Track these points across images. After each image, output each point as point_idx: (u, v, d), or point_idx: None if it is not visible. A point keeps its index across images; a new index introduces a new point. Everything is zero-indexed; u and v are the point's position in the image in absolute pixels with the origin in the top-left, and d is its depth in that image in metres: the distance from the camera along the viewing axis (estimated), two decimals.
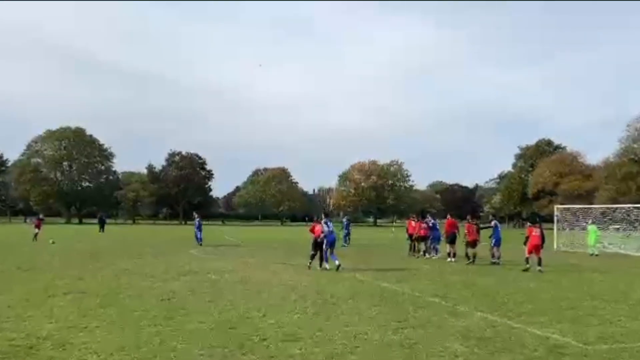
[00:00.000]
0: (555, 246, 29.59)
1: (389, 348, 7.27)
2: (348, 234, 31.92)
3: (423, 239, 23.49)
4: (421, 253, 23.38)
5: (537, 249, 18.28)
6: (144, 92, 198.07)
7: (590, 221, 29.23)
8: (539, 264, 18.07)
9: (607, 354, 7.15)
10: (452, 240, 21.85)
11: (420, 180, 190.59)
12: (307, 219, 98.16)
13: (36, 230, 32.45)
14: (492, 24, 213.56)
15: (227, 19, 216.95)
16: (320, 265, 17.53)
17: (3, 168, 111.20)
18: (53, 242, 28.99)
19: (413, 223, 24.43)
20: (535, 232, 18.50)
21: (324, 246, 17.67)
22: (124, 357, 6.71)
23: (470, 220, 21.66)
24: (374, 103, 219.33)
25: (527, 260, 18.45)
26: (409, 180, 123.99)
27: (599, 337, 8.13)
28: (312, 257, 17.87)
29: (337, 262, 17.17)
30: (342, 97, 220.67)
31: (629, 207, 31.67)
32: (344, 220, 34.44)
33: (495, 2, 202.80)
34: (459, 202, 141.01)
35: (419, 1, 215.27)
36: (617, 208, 32.70)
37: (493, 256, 20.81)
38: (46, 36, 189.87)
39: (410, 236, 24.32)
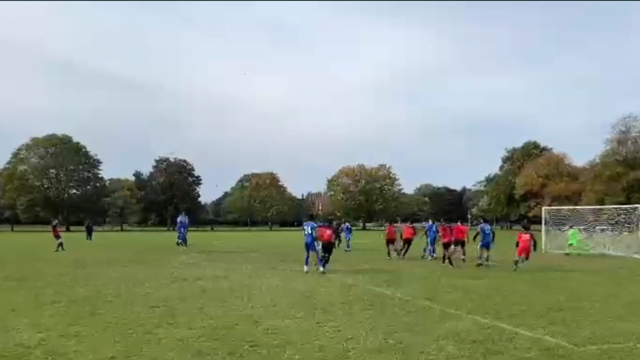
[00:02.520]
0: (543, 248, 29.76)
1: (380, 352, 7.25)
2: (347, 239, 32.30)
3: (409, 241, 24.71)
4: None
5: (526, 251, 19.01)
6: (130, 99, 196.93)
7: (569, 226, 29.84)
8: (521, 261, 19.05)
9: (598, 354, 7.19)
10: (461, 245, 22.15)
11: (409, 184, 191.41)
12: (296, 224, 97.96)
13: (58, 240, 29.81)
14: (477, 30, 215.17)
15: (214, 26, 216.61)
16: (324, 267, 17.91)
17: None
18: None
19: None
20: (524, 237, 19.17)
21: (313, 249, 17.82)
22: None
23: (443, 223, 22.29)
24: (362, 108, 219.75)
25: (516, 262, 19.00)
26: (397, 184, 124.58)
27: (590, 338, 8.17)
28: (321, 259, 18.43)
29: (306, 268, 17.67)
30: (330, 102, 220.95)
31: (615, 208, 31.97)
32: (345, 225, 34.45)
33: (479, 9, 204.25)
34: (447, 205, 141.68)
35: (405, 8, 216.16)
36: (603, 209, 32.98)
37: (480, 257, 21.15)
38: (29, 44, 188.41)
39: (406, 240, 24.93)
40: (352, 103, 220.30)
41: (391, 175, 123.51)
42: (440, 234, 21.67)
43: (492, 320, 9.53)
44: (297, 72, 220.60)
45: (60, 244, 29.52)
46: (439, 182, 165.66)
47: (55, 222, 33.93)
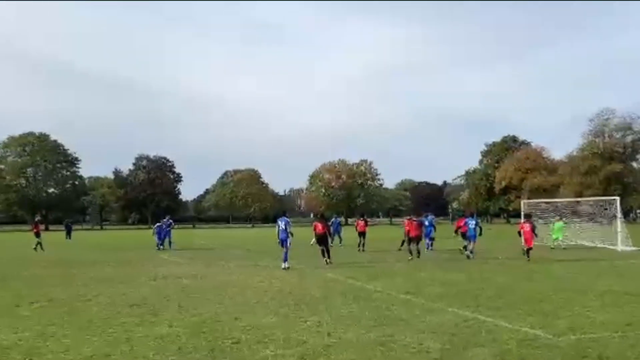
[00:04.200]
0: (522, 240, 30.04)
1: (363, 346, 7.26)
2: (338, 233, 31.79)
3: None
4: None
5: (528, 241, 20.26)
6: (109, 96, 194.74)
7: (557, 217, 29.92)
8: (527, 254, 20.01)
9: (577, 344, 7.28)
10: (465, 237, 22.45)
11: (390, 179, 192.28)
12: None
13: (37, 238, 29.10)
14: (458, 26, 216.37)
15: (197, 23, 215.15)
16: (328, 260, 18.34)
17: None
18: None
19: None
20: (526, 226, 20.52)
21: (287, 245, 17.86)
22: None
23: (411, 218, 22.43)
24: (342, 104, 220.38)
25: (527, 252, 20.18)
26: (379, 179, 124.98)
27: (569, 328, 8.27)
28: (323, 253, 19.61)
29: (284, 264, 17.69)
30: (310, 98, 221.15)
31: (592, 200, 32.44)
32: (334, 219, 33.64)
33: (458, 7, 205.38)
34: (428, 199, 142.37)
35: (384, 7, 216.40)
36: (581, 201, 33.45)
37: (465, 248, 21.76)
38: (3, 42, 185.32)
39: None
40: (332, 100, 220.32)
41: (372, 170, 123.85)
42: (407, 228, 21.83)
43: (473, 312, 9.61)
44: (278, 70, 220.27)
45: (39, 243, 28.88)
46: (419, 177, 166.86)
47: (37, 218, 32.96)
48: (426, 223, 25.92)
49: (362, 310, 9.91)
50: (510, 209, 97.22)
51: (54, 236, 53.62)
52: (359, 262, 20.23)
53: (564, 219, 29.59)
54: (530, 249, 20.18)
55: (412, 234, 21.07)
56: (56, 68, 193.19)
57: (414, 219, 22.07)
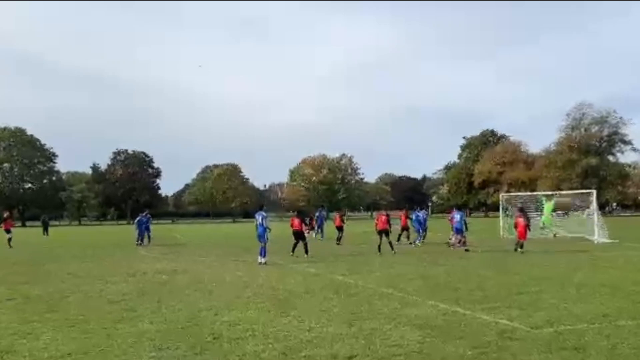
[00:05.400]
0: (501, 233, 30.43)
1: (344, 340, 7.28)
2: (320, 227, 31.74)
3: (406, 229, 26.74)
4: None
5: (523, 235, 21.01)
6: (86, 90, 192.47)
7: (547, 198, 30.20)
8: (521, 246, 20.62)
9: (554, 336, 7.38)
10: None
11: (370, 174, 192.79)
12: None
13: (8, 235, 28.68)
14: (437, 22, 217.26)
15: (179, 17, 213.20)
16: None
17: None
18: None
19: (403, 217, 27.49)
20: (521, 220, 21.33)
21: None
22: None
23: (380, 212, 22.90)
24: (322, 100, 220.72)
25: (521, 245, 20.70)
26: (359, 173, 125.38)
27: (546, 320, 8.38)
28: (294, 247, 19.97)
29: (260, 259, 17.71)
30: (291, 94, 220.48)
31: (569, 193, 32.90)
32: (318, 212, 33.49)
33: (439, 2, 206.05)
34: (408, 193, 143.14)
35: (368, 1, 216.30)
36: (559, 194, 33.90)
37: (450, 239, 22.74)
38: None
39: (403, 228, 26.94)
40: (313, 95, 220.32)
41: (353, 165, 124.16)
42: (376, 221, 22.04)
43: (452, 305, 9.68)
44: (258, 66, 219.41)
45: (9, 240, 28.34)
46: (400, 171, 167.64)
47: (6, 214, 31.86)
48: (413, 217, 26.60)
49: (342, 305, 9.94)
50: (489, 202, 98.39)
51: (31, 232, 52.87)
52: (338, 256, 20.27)
53: (552, 200, 29.77)
54: (522, 242, 20.82)
55: (380, 227, 21.08)
56: (32, 63, 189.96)
57: (383, 213, 22.17)
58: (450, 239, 22.37)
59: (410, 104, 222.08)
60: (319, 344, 7.14)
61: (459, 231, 22.23)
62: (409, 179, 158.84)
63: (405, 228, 26.72)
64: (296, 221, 20.53)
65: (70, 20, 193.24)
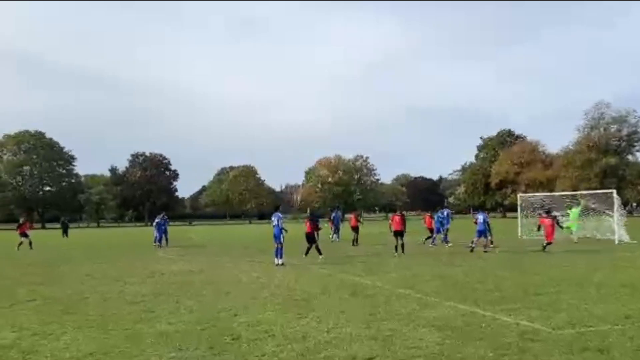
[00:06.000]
0: (519, 234, 30.15)
1: (362, 341, 7.25)
2: (336, 228, 31.30)
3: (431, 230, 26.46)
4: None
5: (550, 235, 21.12)
6: (106, 94, 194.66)
7: (575, 203, 29.36)
8: (546, 246, 20.93)
9: (576, 337, 7.28)
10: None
11: (386, 174, 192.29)
12: None
13: (24, 238, 28.72)
14: (451, 20, 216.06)
15: (191, 20, 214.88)
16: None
17: None
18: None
19: (428, 218, 27.30)
20: (547, 221, 21.42)
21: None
22: None
23: (396, 213, 22.35)
24: (338, 101, 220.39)
25: (544, 247, 21.00)
26: (375, 174, 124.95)
27: (567, 321, 8.27)
28: (307, 250, 19.72)
29: (277, 260, 17.73)
30: (306, 95, 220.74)
31: (588, 193, 32.49)
32: (334, 213, 32.89)
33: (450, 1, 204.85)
34: (424, 194, 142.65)
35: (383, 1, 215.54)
36: (577, 195, 33.49)
37: (472, 243, 21.85)
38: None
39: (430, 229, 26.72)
40: (328, 97, 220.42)
41: (368, 165, 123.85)
42: (390, 221, 22.01)
43: (471, 306, 9.60)
44: (274, 67, 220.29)
45: (21, 243, 28.44)
46: (416, 172, 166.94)
47: (22, 219, 31.91)
48: (435, 218, 26.22)
49: (360, 306, 9.90)
50: (507, 203, 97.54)
51: (51, 234, 53.48)
52: (355, 257, 20.22)
53: (580, 204, 28.46)
54: (550, 243, 20.96)
55: (394, 228, 21.00)
56: (52, 68, 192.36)
57: (398, 213, 21.95)
58: (472, 243, 21.73)
59: (427, 105, 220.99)
60: (337, 345, 7.11)
61: (481, 233, 21.64)
62: (424, 179, 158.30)
63: (431, 229, 26.44)
64: (308, 223, 20.38)
65: (90, 22, 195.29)
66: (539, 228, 22.09)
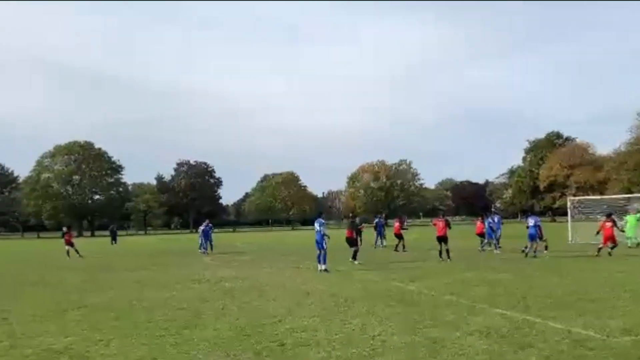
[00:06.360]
0: (570, 238, 29.29)
1: (409, 348, 7.13)
2: (380, 234, 31.05)
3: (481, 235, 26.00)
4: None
5: (612, 239, 20.76)
6: (151, 103, 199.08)
7: (634, 210, 28.28)
8: (610, 249, 20.60)
9: (632, 346, 6.99)
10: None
11: (430, 179, 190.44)
12: None
13: (67, 247, 29.24)
14: (491, 19, 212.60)
15: (233, 29, 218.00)
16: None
17: (14, 185, 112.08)
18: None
19: (479, 224, 26.79)
20: (608, 224, 21.06)
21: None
22: None
23: (439, 217, 22.02)
24: (379, 104, 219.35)
25: (599, 250, 20.66)
26: (418, 179, 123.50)
27: (623, 329, 7.95)
28: (354, 254, 19.79)
29: (321, 266, 17.69)
30: (347, 99, 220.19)
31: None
32: (377, 220, 32.71)
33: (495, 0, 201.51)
34: (470, 198, 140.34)
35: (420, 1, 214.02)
36: (630, 198, 32.35)
37: (525, 249, 21.35)
38: (47, 54, 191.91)
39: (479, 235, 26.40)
40: (370, 100, 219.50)
41: (412, 170, 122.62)
42: (433, 224, 21.86)
43: (521, 313, 9.35)
44: (312, 72, 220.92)
45: (68, 252, 29.06)
46: (461, 176, 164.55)
47: (65, 228, 32.57)
48: (486, 224, 25.56)
49: (405, 313, 9.76)
50: (556, 206, 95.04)
51: (100, 241, 55.01)
52: (400, 264, 20.01)
53: (633, 213, 27.20)
54: (615, 246, 20.70)
55: (438, 233, 20.73)
56: (98, 79, 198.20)
57: (440, 218, 21.63)
58: (525, 248, 21.16)
59: (469, 107, 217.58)
60: (383, 352, 7.02)
61: (532, 237, 20.98)
62: (470, 184, 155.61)
63: (481, 235, 25.91)
64: (347, 230, 20.68)
65: (131, 34, 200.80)
66: (598, 232, 21.53)
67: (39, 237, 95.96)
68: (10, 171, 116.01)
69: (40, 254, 33.00)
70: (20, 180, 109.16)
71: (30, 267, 23.82)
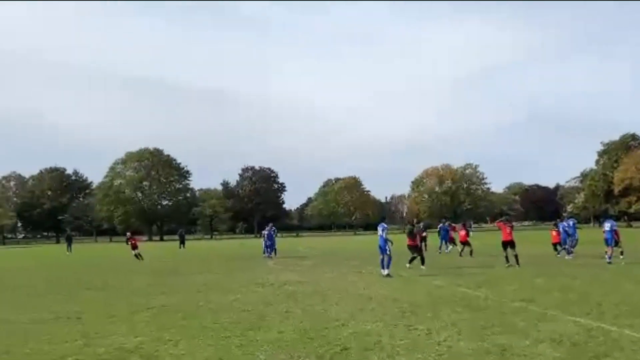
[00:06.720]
0: None
1: (476, 355, 6.93)
2: (445, 240, 30.41)
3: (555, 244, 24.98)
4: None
5: None
6: (214, 109, 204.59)
7: None
8: None
9: None
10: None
11: (498, 183, 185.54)
12: None
13: (134, 251, 30.65)
14: (563, 19, 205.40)
15: (295, 35, 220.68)
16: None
17: (88, 191, 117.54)
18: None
19: (554, 233, 25.52)
20: None
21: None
22: None
23: (503, 221, 21.22)
24: (444, 107, 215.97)
25: None
26: (485, 182, 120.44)
27: None
28: (422, 260, 19.36)
29: (384, 271, 17.45)
30: (413, 102, 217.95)
31: None
32: (441, 225, 31.83)
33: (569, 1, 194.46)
34: (539, 203, 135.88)
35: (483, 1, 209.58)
36: None
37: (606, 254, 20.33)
38: (118, 67, 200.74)
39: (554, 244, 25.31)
40: (432, 102, 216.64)
41: (478, 174, 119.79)
42: (497, 227, 21.24)
43: (594, 321, 8.91)
44: (372, 75, 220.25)
45: (138, 254, 30.17)
46: (530, 180, 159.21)
47: (128, 234, 34.07)
48: (560, 229, 24.52)
49: (472, 319, 9.50)
50: (632, 211, 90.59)
51: (169, 245, 56.72)
52: (464, 269, 19.54)
53: None
54: None
55: (504, 238, 20.09)
56: (166, 87, 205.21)
57: (501, 221, 20.93)
58: (606, 254, 20.17)
59: (540, 109, 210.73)
60: (449, 358, 6.86)
61: (608, 242, 20.08)
62: (539, 187, 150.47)
63: (558, 244, 24.77)
64: (408, 238, 19.97)
65: (195, 42, 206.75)
66: None
67: (111, 240, 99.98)
68: (84, 177, 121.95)
69: (111, 258, 34.36)
70: (94, 186, 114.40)
71: (101, 271, 24.79)
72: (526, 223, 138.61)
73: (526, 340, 7.70)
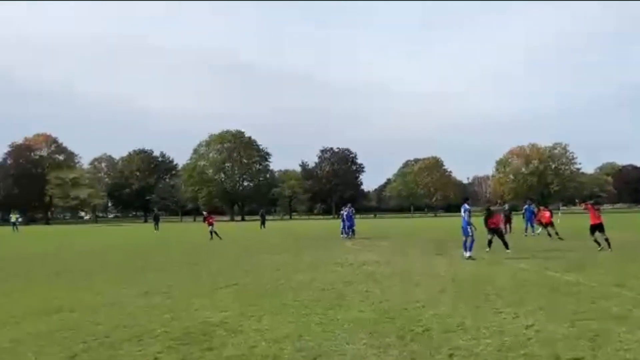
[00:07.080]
0: None
1: (567, 340, 6.61)
2: (530, 222, 29.52)
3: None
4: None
5: None
6: (295, 92, 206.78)
7: None
8: None
9: None
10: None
11: (589, 164, 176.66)
12: None
13: (210, 227, 31.83)
14: None
15: (370, 18, 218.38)
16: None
17: (174, 172, 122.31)
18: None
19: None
20: None
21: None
22: (290, 344, 6.83)
23: (592, 203, 19.84)
24: (533, 86, 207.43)
25: None
26: (575, 163, 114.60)
27: None
28: (505, 245, 18.44)
29: (466, 254, 17.10)
30: (495, 82, 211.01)
31: None
32: (526, 206, 30.78)
33: None
34: (634, 184, 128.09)
35: None
36: None
37: None
38: (207, 53, 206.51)
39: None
40: (514, 81, 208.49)
41: (567, 153, 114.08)
42: (585, 210, 20.05)
43: None
44: (455, 53, 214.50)
45: (214, 232, 31.28)
46: (624, 160, 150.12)
47: (205, 213, 35.36)
48: None
49: (561, 303, 9.07)
50: None
51: (250, 225, 58.14)
52: (552, 252, 18.73)
53: None
54: None
55: (592, 222, 18.87)
56: (248, 70, 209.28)
57: (590, 204, 19.75)
58: None
59: (633, 85, 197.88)
60: (538, 342, 6.57)
61: None
62: (635, 168, 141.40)
63: None
64: (494, 219, 19.42)
65: (279, 27, 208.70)
66: None
67: (194, 220, 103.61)
68: (170, 159, 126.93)
69: (195, 237, 35.62)
70: (179, 167, 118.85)
71: (186, 249, 25.72)
72: (619, 206, 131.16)
73: (622, 326, 7.25)
